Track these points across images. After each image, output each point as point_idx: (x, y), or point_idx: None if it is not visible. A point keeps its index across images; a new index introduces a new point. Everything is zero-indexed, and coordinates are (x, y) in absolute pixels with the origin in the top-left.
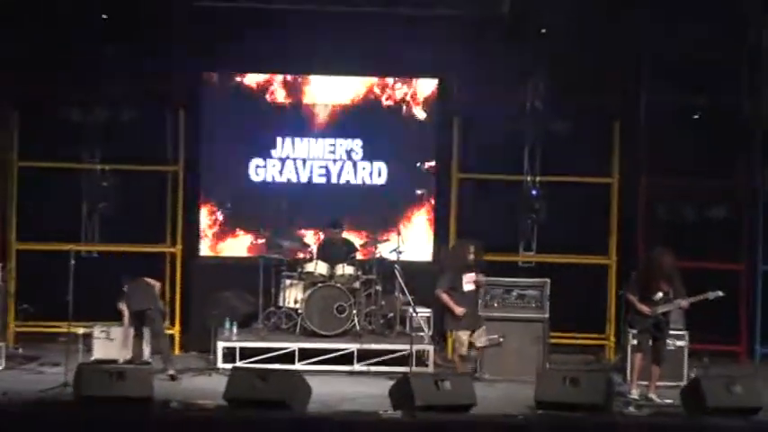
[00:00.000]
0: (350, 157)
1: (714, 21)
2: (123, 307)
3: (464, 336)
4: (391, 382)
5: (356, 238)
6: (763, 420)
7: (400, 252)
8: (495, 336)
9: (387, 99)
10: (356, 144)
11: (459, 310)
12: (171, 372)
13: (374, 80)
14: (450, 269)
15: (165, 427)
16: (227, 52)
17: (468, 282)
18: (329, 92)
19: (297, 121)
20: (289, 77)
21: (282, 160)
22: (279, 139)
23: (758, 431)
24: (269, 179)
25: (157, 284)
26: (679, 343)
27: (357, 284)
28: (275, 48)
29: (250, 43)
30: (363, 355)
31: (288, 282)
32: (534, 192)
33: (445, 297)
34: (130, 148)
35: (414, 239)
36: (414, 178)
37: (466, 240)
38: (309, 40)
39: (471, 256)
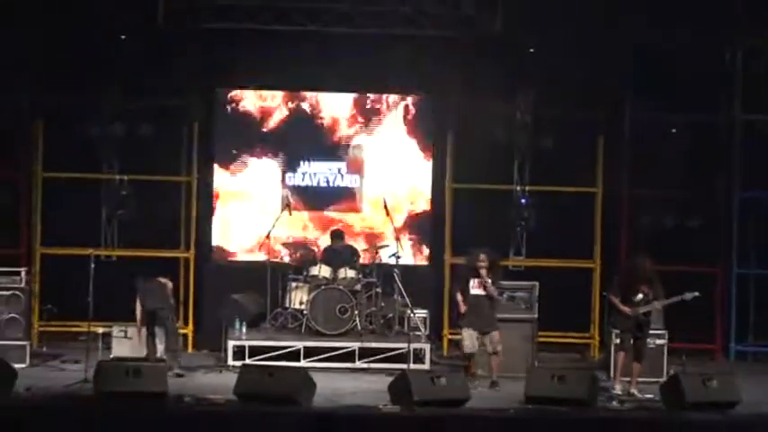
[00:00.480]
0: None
1: (693, 40)
2: (138, 306)
3: (466, 333)
4: (390, 378)
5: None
6: (738, 414)
7: (399, 257)
8: None
9: (385, 114)
10: (354, 158)
11: (461, 308)
12: (177, 370)
13: (374, 96)
14: (459, 272)
15: (179, 421)
16: (238, 70)
17: (475, 286)
18: (332, 108)
19: (299, 135)
20: (294, 94)
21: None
22: (281, 152)
23: (733, 425)
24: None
25: (169, 283)
26: (659, 341)
27: (358, 287)
28: (281, 65)
29: (258, 61)
30: (364, 353)
31: (294, 284)
32: (524, 200)
33: (458, 296)
34: (147, 160)
35: (412, 245)
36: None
37: (479, 249)
38: (313, 59)
39: (480, 264)
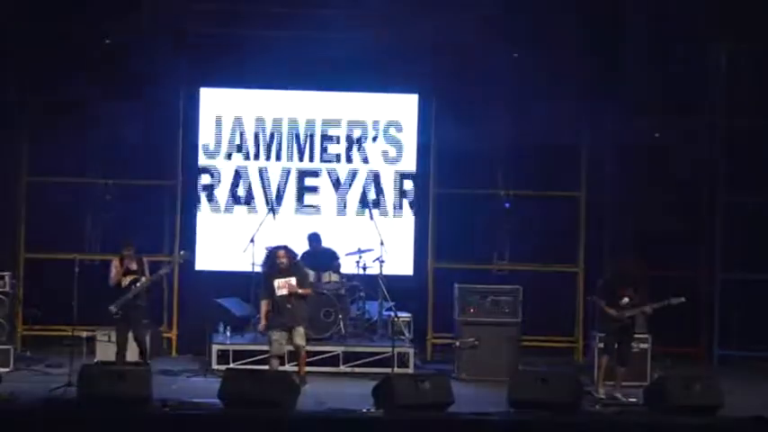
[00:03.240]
0: (336, 176)
1: (677, 44)
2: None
3: (275, 335)
4: (374, 383)
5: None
6: (721, 417)
7: (383, 261)
8: (471, 338)
9: (370, 115)
10: (341, 161)
11: (262, 324)
12: None
13: (359, 97)
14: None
15: (163, 425)
16: (224, 71)
17: (280, 287)
18: (317, 108)
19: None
20: (280, 94)
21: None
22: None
23: (717, 428)
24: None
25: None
26: (643, 345)
27: (343, 291)
28: (269, 66)
29: (245, 62)
30: (348, 357)
31: None
32: (507, 205)
33: (261, 305)
34: (132, 164)
35: (395, 251)
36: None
37: (278, 246)
38: (300, 60)
39: (281, 261)
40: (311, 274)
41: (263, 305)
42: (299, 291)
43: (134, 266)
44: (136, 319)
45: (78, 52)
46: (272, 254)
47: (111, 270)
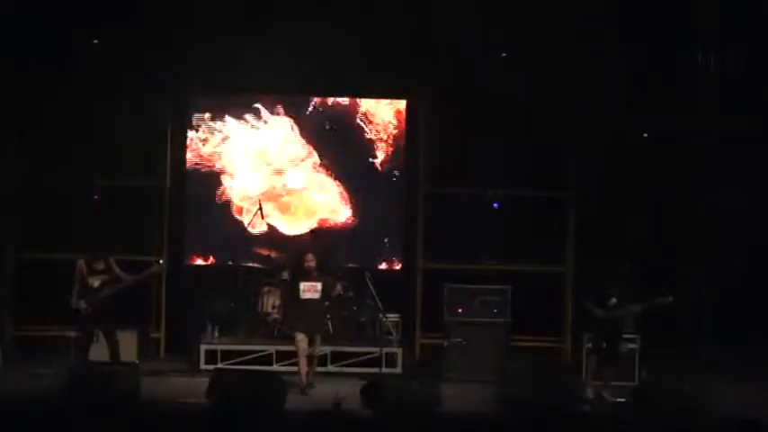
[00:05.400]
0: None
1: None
2: None
3: (299, 336)
4: (363, 382)
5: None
6: (710, 418)
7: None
8: (459, 339)
9: (360, 117)
10: (331, 160)
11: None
12: None
13: (347, 100)
14: (290, 277)
15: (151, 424)
16: (213, 75)
17: (307, 290)
18: (306, 112)
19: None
20: (269, 99)
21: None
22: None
23: (706, 428)
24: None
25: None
26: (631, 345)
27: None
28: (257, 69)
29: (234, 66)
30: (337, 357)
31: (266, 288)
32: (496, 205)
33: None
34: (121, 165)
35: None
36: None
37: (306, 249)
38: (288, 63)
39: (309, 264)
40: None
41: (288, 306)
42: (331, 294)
43: (101, 266)
44: (105, 318)
45: (65, 52)
46: (299, 256)
47: (78, 270)
